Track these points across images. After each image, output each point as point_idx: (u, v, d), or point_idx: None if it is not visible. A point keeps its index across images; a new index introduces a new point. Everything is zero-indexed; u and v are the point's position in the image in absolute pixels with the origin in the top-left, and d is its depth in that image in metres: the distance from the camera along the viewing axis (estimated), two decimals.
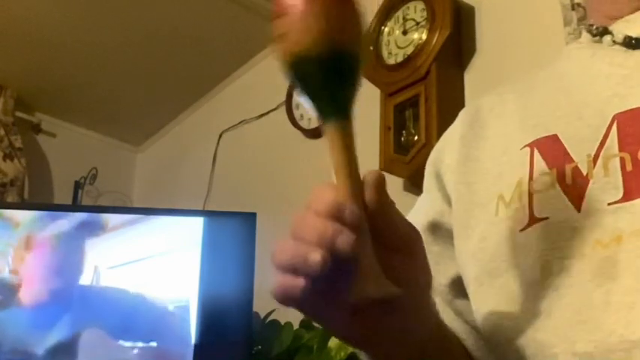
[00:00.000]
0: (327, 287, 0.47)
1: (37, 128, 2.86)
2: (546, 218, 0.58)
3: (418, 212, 0.73)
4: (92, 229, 1.77)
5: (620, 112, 0.58)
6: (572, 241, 0.56)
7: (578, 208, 0.56)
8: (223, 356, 1.70)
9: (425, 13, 1.68)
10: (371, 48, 1.78)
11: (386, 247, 0.49)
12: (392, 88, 1.70)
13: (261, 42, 2.43)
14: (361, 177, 0.49)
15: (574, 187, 0.57)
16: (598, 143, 0.58)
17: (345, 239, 0.45)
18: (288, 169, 2.16)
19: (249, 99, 2.50)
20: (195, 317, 1.70)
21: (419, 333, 0.56)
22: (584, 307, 0.53)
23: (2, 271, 1.72)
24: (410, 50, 1.68)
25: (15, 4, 2.28)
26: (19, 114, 2.73)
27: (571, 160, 0.59)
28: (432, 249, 0.69)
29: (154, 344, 1.70)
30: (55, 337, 1.66)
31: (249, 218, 1.79)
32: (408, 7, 1.73)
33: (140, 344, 1.69)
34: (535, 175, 0.60)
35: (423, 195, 0.75)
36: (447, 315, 0.67)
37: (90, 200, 2.79)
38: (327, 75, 0.48)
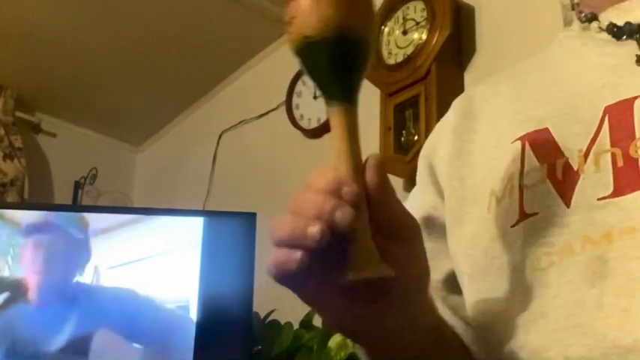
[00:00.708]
0: (323, 267, 0.47)
1: (37, 128, 2.86)
2: (536, 214, 0.57)
3: (411, 207, 0.73)
4: (96, 235, 1.77)
5: (612, 105, 0.58)
6: (562, 237, 0.55)
7: (568, 204, 0.56)
8: (223, 356, 1.70)
9: (425, 13, 1.68)
10: None
11: (383, 232, 0.49)
12: (392, 88, 1.70)
13: (261, 42, 2.43)
14: (361, 160, 0.49)
15: (564, 183, 0.57)
16: (590, 138, 0.57)
17: (343, 213, 0.46)
18: (288, 169, 2.16)
19: (249, 99, 2.50)
20: (195, 317, 1.69)
21: (414, 325, 0.55)
22: (577, 309, 0.53)
23: (2, 271, 1.72)
24: (410, 50, 1.68)
25: (15, 4, 2.28)
26: (19, 114, 2.72)
27: (562, 155, 0.58)
28: (426, 245, 0.69)
29: (155, 344, 1.70)
30: (64, 336, 1.66)
31: (249, 218, 1.79)
32: (408, 7, 1.73)
33: (143, 344, 1.69)
34: (526, 169, 0.60)
35: (415, 189, 0.74)
36: (442, 311, 0.67)
37: (90, 200, 2.79)
38: (334, 60, 0.49)
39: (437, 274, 0.68)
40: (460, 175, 0.66)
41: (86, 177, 2.83)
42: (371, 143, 1.73)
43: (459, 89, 1.65)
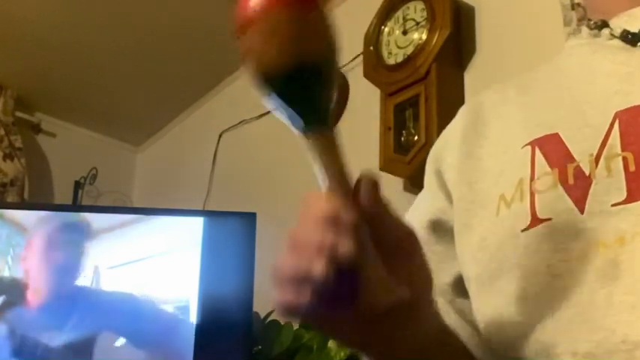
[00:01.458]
0: (332, 297, 0.47)
1: (37, 128, 2.86)
2: (549, 219, 0.57)
3: (418, 210, 0.73)
4: (96, 235, 1.77)
5: (622, 110, 0.58)
6: (576, 243, 0.55)
7: (582, 210, 0.56)
8: (223, 356, 1.70)
9: (425, 13, 1.68)
10: (371, 48, 1.78)
11: (384, 250, 0.49)
12: (392, 88, 1.70)
13: None
14: (351, 180, 0.48)
15: (577, 188, 0.57)
16: (600, 142, 0.57)
17: (344, 246, 0.45)
18: (288, 169, 2.16)
19: (249, 99, 2.49)
20: (195, 317, 1.70)
21: (421, 332, 0.55)
22: (587, 307, 0.53)
23: (2, 271, 1.72)
24: (410, 50, 1.67)
25: (15, 4, 2.28)
26: (19, 114, 2.72)
27: (573, 160, 0.58)
28: (434, 248, 0.69)
29: (155, 345, 1.70)
30: (66, 338, 1.66)
31: (249, 218, 1.79)
32: (408, 7, 1.73)
33: (141, 345, 1.70)
34: (537, 174, 0.60)
35: (423, 192, 0.74)
36: (448, 314, 0.67)
37: (90, 200, 2.79)
38: (297, 88, 0.47)
39: (445, 278, 0.68)
40: (469, 179, 0.67)
41: (86, 177, 2.83)
42: (371, 143, 1.73)
43: (459, 89, 1.65)
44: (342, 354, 1.58)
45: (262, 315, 1.85)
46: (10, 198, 2.54)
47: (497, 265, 0.60)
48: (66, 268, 1.75)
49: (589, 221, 0.55)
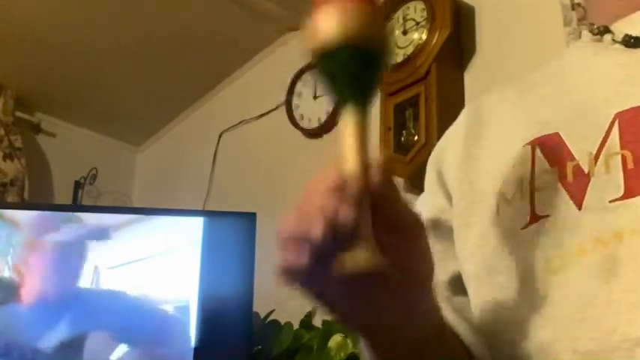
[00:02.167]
0: (328, 263, 0.48)
1: (37, 128, 2.86)
2: (547, 216, 0.58)
3: (419, 209, 0.73)
4: (96, 235, 1.77)
5: (622, 111, 0.58)
6: (574, 239, 0.56)
7: (580, 206, 0.57)
8: (223, 356, 1.70)
9: (425, 13, 1.68)
10: None
11: (388, 229, 0.50)
12: (392, 88, 1.70)
13: (261, 42, 2.43)
14: (370, 162, 0.50)
15: (575, 185, 0.57)
16: (600, 141, 0.58)
17: (346, 212, 0.46)
18: (288, 169, 2.16)
19: (249, 99, 2.50)
20: (195, 317, 1.70)
21: (417, 322, 0.55)
22: (586, 304, 0.54)
23: (2, 271, 1.72)
24: (410, 50, 1.68)
25: (15, 4, 2.28)
26: (19, 114, 2.72)
27: (572, 158, 0.59)
28: (433, 247, 0.69)
29: (154, 345, 1.70)
30: (56, 337, 1.66)
31: (249, 218, 1.79)
32: (408, 7, 1.73)
33: (141, 345, 1.69)
34: (537, 172, 0.60)
35: (424, 194, 0.75)
36: (445, 311, 0.67)
37: (90, 200, 2.79)
38: (350, 69, 0.51)
39: (442, 276, 0.68)
40: (469, 179, 0.67)
41: (86, 177, 2.83)
42: (371, 143, 1.73)
43: (459, 89, 1.65)
44: (342, 354, 1.58)
45: (262, 315, 1.85)
46: (10, 198, 2.54)
47: (496, 262, 0.61)
48: (64, 269, 1.75)
49: (586, 217, 0.56)
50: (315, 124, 2.15)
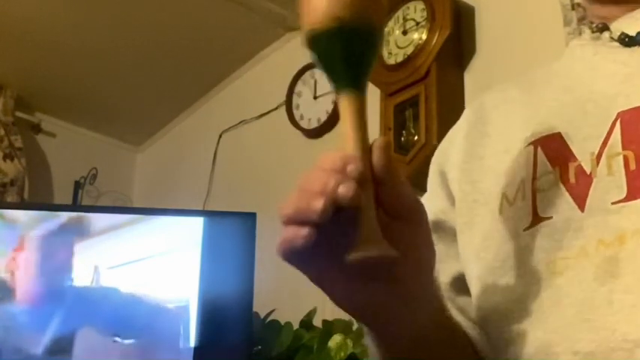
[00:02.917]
0: (329, 244, 0.48)
1: (37, 128, 2.86)
2: (550, 218, 0.58)
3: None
4: (79, 231, 1.76)
5: (624, 110, 0.58)
6: (576, 241, 0.56)
7: (582, 208, 0.56)
8: (223, 356, 1.70)
9: (425, 13, 1.68)
10: None
11: (390, 213, 0.50)
12: (392, 88, 1.70)
13: (261, 42, 2.43)
14: (368, 146, 0.50)
15: (578, 186, 0.57)
16: (601, 141, 0.58)
17: (346, 188, 0.46)
18: (288, 169, 2.16)
19: (249, 99, 2.50)
20: (195, 317, 1.69)
21: (420, 311, 0.55)
22: (587, 306, 0.53)
23: (1, 271, 1.72)
24: (410, 50, 1.68)
25: (15, 4, 2.28)
26: (19, 114, 2.72)
27: (574, 159, 0.59)
28: (435, 247, 0.69)
29: (152, 344, 1.70)
30: (49, 336, 1.65)
31: (249, 218, 1.79)
32: (408, 7, 1.73)
33: (137, 343, 1.69)
34: (538, 173, 0.60)
35: (426, 195, 0.75)
36: (450, 311, 0.67)
37: (90, 200, 2.79)
38: (340, 49, 0.51)
39: (444, 277, 0.68)
40: (471, 179, 0.67)
41: (86, 177, 2.83)
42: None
43: (459, 89, 1.65)
44: (342, 354, 1.58)
45: (262, 315, 1.85)
46: (10, 198, 2.54)
47: (499, 264, 0.61)
48: (55, 268, 1.75)
49: (589, 219, 0.56)
50: (315, 124, 2.15)
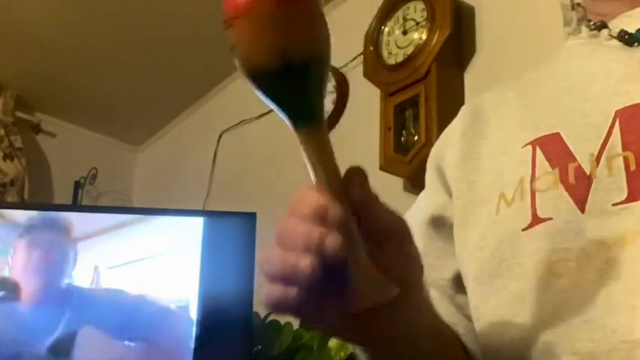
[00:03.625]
0: (322, 292, 0.46)
1: (37, 128, 2.86)
2: (550, 219, 0.57)
3: (420, 206, 0.73)
4: (79, 231, 1.76)
5: (622, 109, 0.58)
6: (577, 243, 0.55)
7: (582, 209, 0.56)
8: (223, 356, 1.70)
9: (425, 13, 1.68)
10: (371, 48, 1.78)
11: (374, 240, 0.48)
12: (392, 88, 1.70)
13: None
14: (340, 177, 0.48)
15: (577, 187, 0.57)
16: (601, 142, 0.58)
17: (332, 241, 0.44)
18: (288, 169, 2.16)
19: (249, 99, 2.48)
20: (195, 317, 1.69)
21: (413, 327, 0.55)
22: (587, 306, 0.53)
23: (2, 271, 1.72)
24: (410, 50, 1.67)
25: (15, 4, 2.28)
26: (19, 114, 2.73)
27: (574, 159, 0.58)
28: (434, 244, 0.69)
29: (153, 344, 1.70)
30: (50, 336, 1.65)
31: (249, 218, 1.79)
32: (408, 7, 1.73)
33: (139, 344, 1.69)
34: (537, 173, 0.60)
35: (424, 191, 0.74)
36: (447, 309, 0.67)
37: (90, 200, 2.79)
38: (284, 85, 0.45)
39: (445, 273, 0.68)
40: (468, 178, 0.67)
41: (86, 177, 2.83)
42: (371, 143, 1.73)
43: (459, 89, 1.65)
44: (342, 354, 1.58)
45: (262, 315, 1.85)
46: (10, 198, 2.54)
47: (496, 264, 0.60)
48: (55, 268, 1.75)
49: (590, 221, 0.56)
50: None
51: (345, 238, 0.44)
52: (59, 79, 2.67)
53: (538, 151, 0.61)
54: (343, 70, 2.02)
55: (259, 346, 1.82)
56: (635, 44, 0.63)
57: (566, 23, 1.41)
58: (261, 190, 2.25)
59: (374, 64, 1.76)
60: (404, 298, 0.51)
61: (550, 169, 0.59)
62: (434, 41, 1.63)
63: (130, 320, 1.71)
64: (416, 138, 1.62)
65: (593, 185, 0.56)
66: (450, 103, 1.59)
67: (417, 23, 1.69)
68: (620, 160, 0.56)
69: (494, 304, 0.60)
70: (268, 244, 0.48)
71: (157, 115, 2.89)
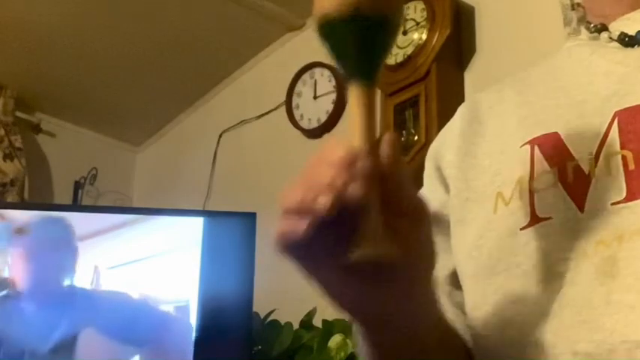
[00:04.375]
0: (327, 242, 0.47)
1: (37, 128, 2.86)
2: (549, 218, 0.57)
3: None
4: (79, 231, 1.76)
5: (621, 110, 0.58)
6: (576, 242, 0.55)
7: (581, 209, 0.56)
8: (223, 356, 1.70)
9: (425, 13, 1.68)
10: None
11: (394, 211, 0.48)
12: (392, 88, 1.70)
13: (261, 42, 2.43)
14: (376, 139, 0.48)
15: (576, 186, 0.57)
16: (599, 141, 0.57)
17: (356, 187, 0.45)
18: (288, 169, 2.16)
19: (249, 99, 2.50)
20: (195, 317, 1.70)
21: (417, 312, 0.55)
22: (585, 306, 0.53)
23: (2, 271, 1.72)
24: (410, 50, 1.68)
25: (16, 4, 2.28)
26: (19, 114, 2.72)
27: (572, 158, 0.58)
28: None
29: (153, 345, 1.70)
30: (53, 337, 1.66)
31: (249, 218, 1.79)
32: (408, 7, 1.73)
33: (140, 346, 1.69)
34: (536, 173, 0.60)
35: (422, 189, 0.74)
36: (444, 305, 0.67)
37: (90, 200, 2.79)
38: (352, 38, 0.48)
39: (442, 271, 0.67)
40: (465, 177, 0.67)
41: (86, 177, 2.83)
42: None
43: (459, 89, 1.65)
44: (342, 354, 1.58)
45: (262, 315, 1.85)
46: (10, 198, 2.54)
47: (494, 263, 0.60)
48: (56, 269, 1.75)
49: (589, 220, 0.55)
50: (315, 124, 2.15)
51: (367, 189, 0.45)
52: (59, 79, 2.67)
53: (536, 150, 0.61)
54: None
55: (259, 346, 1.82)
56: (636, 46, 0.62)
57: (566, 23, 1.41)
58: (261, 190, 2.24)
59: None
60: (409, 277, 0.51)
61: (549, 168, 0.59)
62: (434, 41, 1.63)
63: (132, 322, 1.72)
64: (416, 138, 1.62)
65: (591, 184, 0.56)
66: (450, 103, 1.59)
67: (417, 23, 1.69)
68: (619, 159, 0.56)
69: (492, 303, 0.60)
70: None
71: (157, 115, 2.89)
